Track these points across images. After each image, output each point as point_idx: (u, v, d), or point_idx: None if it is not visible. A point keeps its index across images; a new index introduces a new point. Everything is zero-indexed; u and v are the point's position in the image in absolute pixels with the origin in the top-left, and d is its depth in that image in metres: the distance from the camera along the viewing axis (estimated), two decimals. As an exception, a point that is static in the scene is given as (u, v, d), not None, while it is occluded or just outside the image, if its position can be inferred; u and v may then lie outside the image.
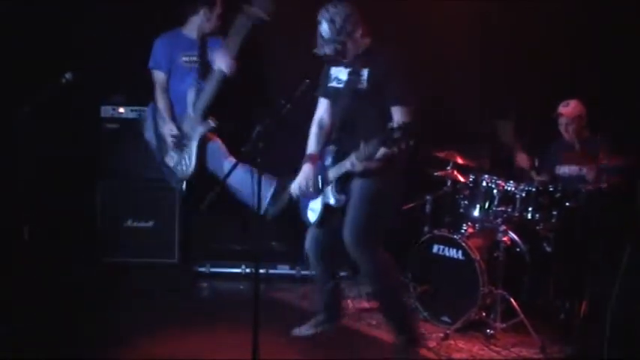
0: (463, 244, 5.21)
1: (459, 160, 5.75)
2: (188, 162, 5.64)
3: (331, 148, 4.38)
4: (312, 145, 4.47)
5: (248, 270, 6.57)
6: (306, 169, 4.38)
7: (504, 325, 5.15)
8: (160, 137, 5.74)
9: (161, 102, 5.73)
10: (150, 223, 5.51)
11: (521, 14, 6.21)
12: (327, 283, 4.80)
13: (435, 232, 5.47)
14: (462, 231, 5.49)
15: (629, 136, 5.51)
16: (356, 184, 4.25)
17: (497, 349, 4.96)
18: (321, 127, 4.47)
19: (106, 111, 6.46)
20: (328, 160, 4.40)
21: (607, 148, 5.30)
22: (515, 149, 5.82)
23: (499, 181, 5.47)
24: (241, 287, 6.41)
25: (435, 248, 5.35)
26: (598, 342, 3.76)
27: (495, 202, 5.47)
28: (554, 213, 5.33)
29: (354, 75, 4.08)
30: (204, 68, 5.67)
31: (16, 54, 6.06)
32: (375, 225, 4.29)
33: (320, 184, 4.37)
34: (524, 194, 5.38)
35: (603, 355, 3.73)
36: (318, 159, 4.42)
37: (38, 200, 5.66)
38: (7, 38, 6.01)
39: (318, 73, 4.31)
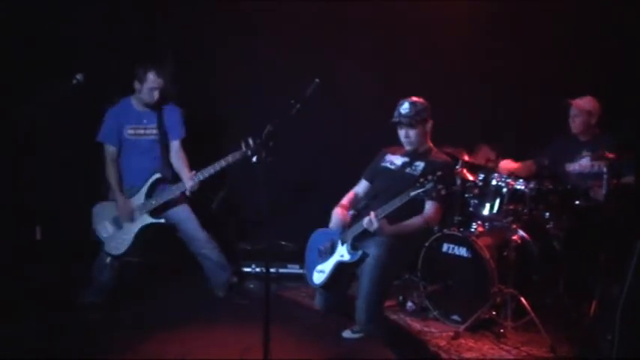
0: (473, 242, 5.20)
1: (468, 159, 5.75)
2: (123, 243, 5.48)
3: (350, 212, 4.61)
4: (343, 201, 4.73)
5: (258, 269, 6.60)
6: (337, 213, 4.60)
7: (514, 324, 5.16)
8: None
9: (110, 174, 5.58)
10: (162, 220, 5.51)
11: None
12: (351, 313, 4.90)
13: (445, 231, 5.45)
14: (472, 230, 5.49)
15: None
16: (372, 245, 4.40)
17: (507, 347, 4.96)
18: (355, 200, 4.76)
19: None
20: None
21: (616, 145, 5.27)
22: (496, 163, 5.78)
23: (509, 180, 5.47)
24: (251, 286, 6.43)
25: (445, 247, 5.35)
26: (607, 341, 3.75)
27: (505, 201, 5.46)
28: (564, 212, 5.33)
29: (410, 163, 4.55)
30: (162, 138, 5.63)
31: (22, 54, 6.10)
32: (387, 290, 4.52)
33: (335, 244, 4.58)
34: (534, 193, 5.38)
35: (612, 355, 3.72)
36: (346, 210, 4.64)
37: (49, 200, 5.69)
38: (13, 38, 6.05)
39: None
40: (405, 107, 4.48)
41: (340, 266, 4.51)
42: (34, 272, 4.97)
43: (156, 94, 5.51)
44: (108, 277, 5.61)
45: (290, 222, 6.26)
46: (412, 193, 4.08)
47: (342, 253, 4.48)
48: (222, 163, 5.29)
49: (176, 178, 5.64)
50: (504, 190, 5.47)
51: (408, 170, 4.51)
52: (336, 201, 6.47)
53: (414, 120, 4.45)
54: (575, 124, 5.64)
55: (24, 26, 6.13)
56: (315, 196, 6.77)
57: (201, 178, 5.44)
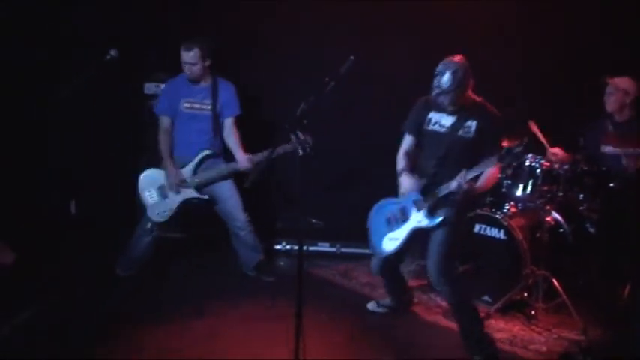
0: (506, 223, 5.17)
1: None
2: (165, 212, 5.59)
3: (421, 181, 4.60)
4: (402, 164, 4.72)
5: (288, 246, 6.62)
6: (406, 178, 4.63)
7: (545, 306, 5.14)
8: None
9: (163, 144, 5.66)
10: (205, 197, 5.57)
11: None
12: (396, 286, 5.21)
13: (478, 211, 5.41)
14: (505, 210, 5.44)
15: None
16: (448, 210, 4.48)
17: (538, 329, 4.97)
18: (408, 159, 4.74)
19: (149, 88, 6.53)
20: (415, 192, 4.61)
21: None
22: (546, 146, 5.68)
23: (543, 161, 5.41)
24: (281, 263, 6.46)
25: (477, 228, 5.32)
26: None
27: (539, 182, 5.40)
28: (599, 194, 5.28)
29: (460, 123, 4.47)
30: (215, 115, 5.69)
31: (59, 30, 6.13)
32: (455, 251, 4.63)
33: (407, 213, 4.65)
34: (568, 174, 5.32)
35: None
36: (410, 171, 4.67)
37: (84, 175, 5.74)
38: (54, 13, 6.08)
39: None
40: (445, 80, 4.31)
41: (416, 232, 4.61)
42: (69, 246, 5.02)
43: (193, 70, 5.54)
44: (144, 248, 5.70)
45: (319, 200, 6.26)
46: (503, 163, 4.21)
47: (420, 219, 4.57)
48: (273, 154, 5.24)
49: (226, 155, 5.72)
50: (538, 171, 5.40)
51: (460, 133, 4.46)
52: (366, 178, 6.55)
53: (456, 93, 4.35)
54: (610, 101, 5.54)
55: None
56: (344, 174, 6.78)
57: (254, 161, 5.51)
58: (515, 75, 6.21)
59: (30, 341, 4.38)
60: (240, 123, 5.77)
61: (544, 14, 6.21)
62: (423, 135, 4.68)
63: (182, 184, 5.56)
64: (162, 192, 5.60)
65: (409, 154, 4.76)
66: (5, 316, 4.59)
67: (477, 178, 4.39)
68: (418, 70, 4.76)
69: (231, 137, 5.71)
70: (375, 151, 6.47)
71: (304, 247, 6.38)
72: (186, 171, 5.60)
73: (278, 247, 6.62)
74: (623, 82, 5.50)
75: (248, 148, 5.64)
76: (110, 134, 6.39)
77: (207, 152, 5.63)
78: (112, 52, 5.07)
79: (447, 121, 4.54)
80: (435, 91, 4.38)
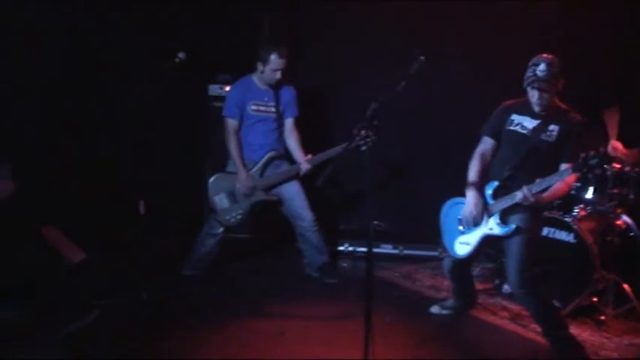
0: (575, 227, 5.06)
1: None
2: (237, 216, 5.64)
3: (493, 183, 4.55)
4: (473, 176, 4.62)
5: (351, 248, 6.61)
6: (472, 198, 4.56)
7: (615, 312, 5.04)
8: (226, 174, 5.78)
9: (232, 146, 5.68)
10: (274, 197, 5.63)
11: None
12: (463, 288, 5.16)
13: (546, 213, 5.24)
14: (574, 213, 5.33)
15: None
16: (521, 218, 4.42)
17: (608, 335, 4.86)
18: (483, 162, 4.65)
19: (213, 90, 6.61)
20: (487, 194, 4.56)
21: None
22: (610, 137, 5.56)
23: (613, 163, 5.27)
24: (344, 265, 6.45)
25: (546, 231, 5.21)
26: None
27: (609, 185, 5.28)
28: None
29: (543, 126, 4.38)
30: (279, 117, 5.76)
31: (128, 33, 6.23)
32: (533, 260, 4.50)
33: (482, 213, 4.57)
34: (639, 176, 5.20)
35: None
36: (479, 188, 4.60)
37: (153, 176, 5.83)
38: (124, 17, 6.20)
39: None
40: (541, 69, 4.26)
41: (487, 238, 4.56)
42: (139, 246, 5.10)
43: (278, 75, 5.59)
44: (209, 248, 5.75)
45: (382, 202, 6.24)
46: (572, 170, 4.08)
47: (491, 226, 4.51)
48: (335, 151, 5.37)
49: (288, 155, 5.79)
50: (608, 173, 5.28)
51: (543, 136, 4.38)
52: (429, 182, 6.51)
53: (551, 84, 4.28)
54: None
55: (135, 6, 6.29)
56: (407, 174, 6.74)
57: (315, 162, 5.55)
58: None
59: (94, 340, 4.44)
60: (305, 124, 5.81)
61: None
62: (502, 136, 4.60)
63: (252, 188, 5.61)
64: (232, 196, 5.65)
65: (484, 158, 4.65)
66: (73, 314, 4.67)
67: (544, 189, 4.29)
68: (484, 71, 4.71)
69: (291, 138, 5.77)
70: (440, 152, 6.45)
71: (365, 249, 6.42)
72: (254, 173, 5.65)
73: (341, 248, 6.61)
74: None
75: (314, 149, 5.64)
76: (176, 135, 6.48)
77: (272, 153, 5.69)
78: (181, 55, 5.11)
79: (529, 123, 4.45)
80: (529, 80, 4.33)
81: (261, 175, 5.67)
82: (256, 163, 5.68)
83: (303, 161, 5.61)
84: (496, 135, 4.64)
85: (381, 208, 6.33)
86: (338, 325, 4.82)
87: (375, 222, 6.56)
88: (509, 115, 4.56)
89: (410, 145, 6.63)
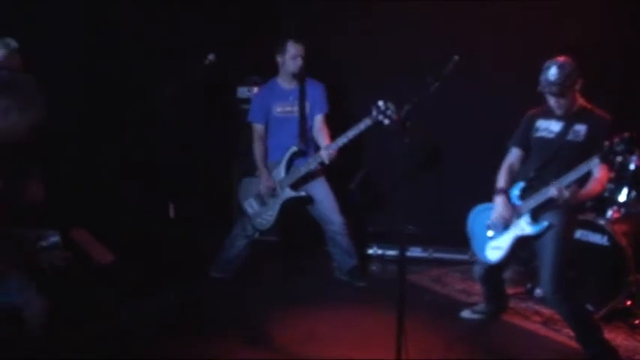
0: (609, 229, 4.98)
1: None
2: (268, 218, 5.63)
3: (520, 184, 4.53)
4: (501, 183, 4.62)
5: (380, 251, 6.58)
6: (502, 202, 4.55)
7: (651, 316, 4.96)
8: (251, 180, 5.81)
9: (257, 151, 5.73)
10: (302, 193, 5.59)
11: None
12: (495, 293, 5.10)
13: (579, 216, 5.22)
14: (608, 216, 5.25)
15: None
16: (553, 216, 4.37)
17: (643, 339, 4.78)
18: (511, 172, 4.65)
19: (242, 92, 6.63)
20: (514, 195, 4.55)
21: None
22: None
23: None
24: (373, 268, 6.43)
25: (579, 234, 5.12)
26: None
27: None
28: None
29: (568, 127, 4.36)
30: (303, 117, 5.71)
31: (158, 35, 6.26)
32: (567, 264, 4.43)
33: (511, 216, 4.53)
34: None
35: None
36: (507, 193, 4.58)
37: (182, 179, 5.85)
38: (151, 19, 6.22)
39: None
40: (552, 73, 4.20)
41: (519, 240, 4.51)
42: (169, 249, 5.12)
43: (299, 62, 5.58)
44: (239, 251, 5.77)
45: (411, 204, 6.19)
46: (600, 160, 3.98)
47: (522, 227, 4.46)
48: (356, 130, 5.26)
49: None
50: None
51: (570, 137, 4.34)
52: (462, 185, 6.45)
53: (563, 87, 4.22)
54: None
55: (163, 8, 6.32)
56: (437, 177, 6.69)
57: (336, 147, 5.42)
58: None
59: (122, 341, 4.46)
60: (334, 124, 5.76)
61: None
62: (530, 145, 4.59)
63: (275, 189, 5.60)
64: (260, 199, 5.66)
65: (512, 169, 4.64)
66: (101, 315, 4.69)
67: (580, 182, 4.24)
68: (518, 69, 4.65)
69: (321, 134, 5.70)
70: (470, 154, 6.39)
71: (395, 253, 6.39)
72: (279, 172, 5.64)
73: (370, 251, 6.58)
74: None
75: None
76: (205, 138, 6.49)
77: (294, 148, 5.63)
78: (211, 57, 5.12)
79: (555, 126, 4.42)
80: (542, 86, 4.28)
81: (287, 171, 5.63)
82: (279, 162, 5.65)
83: (323, 148, 5.49)
84: (524, 145, 4.63)
85: (410, 211, 6.27)
86: (368, 328, 4.80)
87: (409, 226, 6.54)
88: (535, 123, 4.55)
89: (440, 147, 6.58)
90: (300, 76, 5.68)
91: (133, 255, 5.50)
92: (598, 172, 4.22)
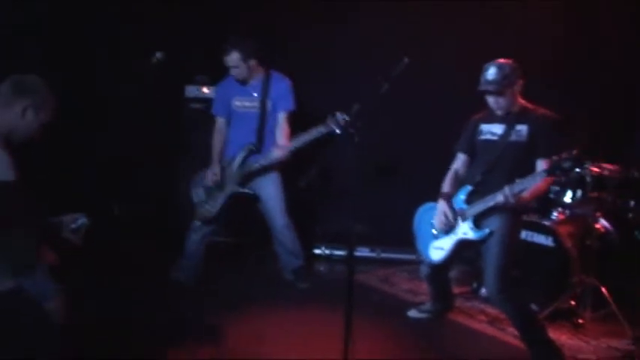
0: (554, 230, 5.06)
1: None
2: (210, 209, 5.56)
3: (466, 188, 4.55)
4: (446, 187, 4.68)
5: (328, 251, 6.57)
6: (442, 206, 4.59)
7: (593, 315, 5.03)
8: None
9: (214, 142, 5.67)
10: (246, 190, 5.51)
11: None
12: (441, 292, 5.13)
13: (524, 217, 5.27)
14: (553, 217, 5.32)
15: None
16: (497, 221, 4.38)
17: (586, 338, 4.86)
18: (456, 177, 4.71)
19: (190, 91, 6.54)
20: (460, 199, 4.56)
21: None
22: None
23: (592, 167, 5.28)
24: (321, 269, 6.42)
25: (524, 234, 5.18)
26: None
27: (588, 188, 5.27)
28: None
29: (511, 128, 4.38)
30: (263, 113, 5.58)
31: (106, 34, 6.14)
32: (511, 264, 4.44)
33: (453, 221, 4.56)
34: (618, 180, 5.20)
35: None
36: (450, 198, 4.61)
37: (126, 177, 5.76)
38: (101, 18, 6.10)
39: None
40: (491, 72, 4.29)
41: (462, 243, 4.53)
42: (113, 246, 5.03)
43: (238, 72, 5.48)
44: (194, 247, 5.65)
45: (358, 204, 6.19)
46: (552, 176, 4.03)
47: (465, 231, 4.48)
48: (309, 136, 5.19)
49: None
50: (588, 178, 5.29)
51: (513, 138, 4.37)
52: (407, 185, 6.48)
53: (501, 86, 4.28)
54: None
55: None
56: (383, 177, 6.70)
57: (287, 150, 5.36)
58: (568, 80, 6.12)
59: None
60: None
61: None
62: (475, 148, 4.64)
63: (220, 182, 5.53)
64: (207, 190, 5.58)
65: (458, 174, 4.71)
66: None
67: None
68: (467, 72, 4.67)
69: (279, 132, 5.56)
70: (418, 156, 6.41)
71: (343, 253, 6.38)
72: (232, 167, 5.55)
73: (317, 251, 6.57)
74: None
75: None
76: (153, 136, 6.38)
77: (251, 146, 5.52)
78: (158, 55, 5.05)
79: (498, 129, 4.46)
80: (481, 86, 4.34)
81: (239, 168, 5.51)
82: (234, 157, 5.56)
83: (275, 148, 5.41)
84: (469, 150, 4.69)
85: (358, 211, 6.27)
86: (316, 329, 4.78)
87: (359, 225, 6.54)
88: (478, 127, 4.60)
89: (388, 148, 6.59)
90: (253, 76, 5.57)
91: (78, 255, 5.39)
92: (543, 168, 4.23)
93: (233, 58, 5.42)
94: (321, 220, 6.86)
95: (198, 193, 5.62)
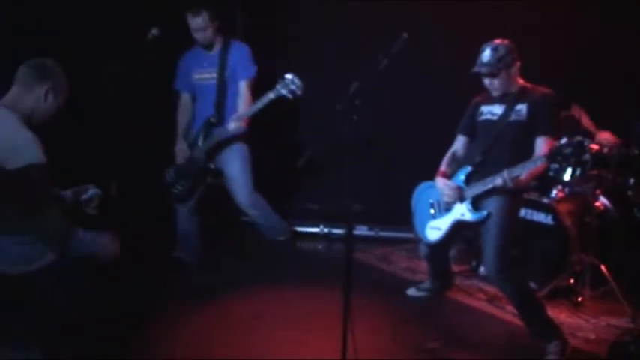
0: (554, 208, 5.04)
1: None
2: (181, 188, 5.43)
3: (466, 168, 4.51)
4: (443, 166, 4.68)
5: (326, 230, 6.55)
6: (443, 182, 4.57)
7: (593, 293, 5.03)
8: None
9: (179, 120, 5.55)
10: (211, 165, 5.38)
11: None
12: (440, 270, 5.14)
13: (524, 195, 5.24)
14: (552, 195, 5.31)
15: None
16: (495, 203, 4.35)
17: (585, 316, 4.85)
18: (454, 158, 4.70)
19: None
20: (459, 179, 4.51)
21: None
22: (594, 132, 5.54)
23: (592, 144, 5.23)
24: (319, 247, 6.41)
25: (523, 212, 5.17)
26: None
27: (587, 166, 5.22)
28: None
29: (511, 108, 4.36)
30: (221, 83, 5.37)
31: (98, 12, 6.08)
32: (510, 243, 4.40)
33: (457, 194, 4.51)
34: (618, 158, 5.18)
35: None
36: (447, 177, 4.61)
37: (124, 156, 5.69)
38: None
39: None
40: (486, 54, 4.29)
41: (459, 224, 4.52)
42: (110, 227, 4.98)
43: (199, 37, 5.28)
44: (185, 224, 5.57)
45: (357, 183, 6.16)
46: (546, 159, 3.97)
47: (463, 212, 4.46)
48: (259, 104, 5.01)
49: None
50: (587, 155, 5.22)
51: (512, 118, 4.34)
52: (405, 163, 6.45)
53: (495, 68, 4.27)
54: None
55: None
56: (383, 156, 6.68)
57: (240, 118, 5.17)
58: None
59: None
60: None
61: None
62: (475, 130, 4.62)
63: (190, 158, 5.38)
64: (177, 169, 5.47)
65: (457, 156, 4.69)
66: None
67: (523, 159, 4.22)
68: (468, 54, 4.62)
69: (241, 102, 5.33)
70: (417, 133, 6.38)
71: (341, 231, 6.37)
72: (192, 142, 5.41)
73: (316, 230, 6.55)
74: None
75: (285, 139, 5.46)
76: (149, 117, 6.32)
77: (211, 119, 5.33)
78: (154, 31, 4.94)
79: (498, 109, 4.44)
80: (476, 68, 4.33)
81: (201, 144, 5.34)
82: (198, 132, 5.39)
83: (230, 120, 5.19)
84: (469, 132, 4.67)
85: (356, 190, 6.25)
86: (315, 308, 4.79)
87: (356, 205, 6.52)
88: (479, 108, 4.58)
89: (387, 126, 6.56)
90: (216, 41, 5.38)
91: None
92: (541, 149, 4.21)
93: (203, 18, 5.19)
94: (319, 199, 6.83)
95: (169, 174, 5.49)
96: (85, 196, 3.81)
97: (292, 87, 4.58)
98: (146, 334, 4.34)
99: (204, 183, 5.50)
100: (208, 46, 5.37)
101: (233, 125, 5.16)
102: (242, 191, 5.45)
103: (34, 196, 3.40)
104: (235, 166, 5.43)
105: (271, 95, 4.90)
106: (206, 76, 5.41)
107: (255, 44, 5.57)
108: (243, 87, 5.35)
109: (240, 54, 5.38)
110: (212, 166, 5.40)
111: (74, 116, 5.65)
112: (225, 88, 5.37)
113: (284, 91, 4.74)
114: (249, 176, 5.46)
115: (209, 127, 5.33)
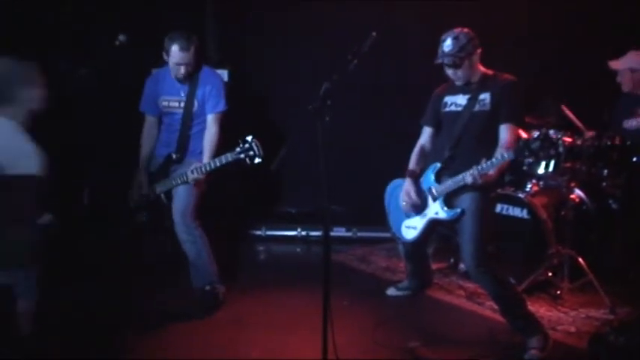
0: (529, 202, 5.05)
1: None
2: (145, 219, 5.05)
3: (435, 165, 4.47)
4: (412, 164, 4.63)
5: (304, 233, 6.53)
6: (408, 184, 4.54)
7: (571, 286, 5.04)
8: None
9: (142, 146, 5.13)
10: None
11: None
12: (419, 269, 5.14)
13: (499, 190, 5.19)
14: (527, 189, 5.31)
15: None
16: (468, 199, 4.31)
17: (564, 309, 4.86)
18: (422, 152, 4.67)
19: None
20: (430, 177, 4.48)
21: None
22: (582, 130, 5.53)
23: (565, 137, 5.25)
24: (298, 250, 6.38)
25: (499, 207, 5.19)
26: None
27: (562, 159, 5.24)
28: (623, 169, 5.19)
29: (474, 98, 4.31)
30: (187, 115, 4.99)
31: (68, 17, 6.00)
32: (487, 238, 4.36)
33: (423, 199, 4.51)
34: (592, 149, 5.19)
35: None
36: (417, 176, 4.57)
37: (96, 164, 5.65)
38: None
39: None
40: (447, 44, 4.22)
41: (433, 222, 4.51)
42: (82, 235, 4.94)
43: (182, 70, 4.86)
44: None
45: (333, 184, 6.14)
46: (519, 157, 3.98)
47: (437, 210, 4.44)
48: (217, 162, 4.70)
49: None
50: (561, 148, 5.26)
51: (477, 108, 4.30)
52: (381, 162, 6.43)
53: (457, 58, 4.21)
54: (623, 83, 5.50)
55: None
56: (357, 156, 6.67)
57: (200, 171, 4.78)
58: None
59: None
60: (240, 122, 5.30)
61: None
62: (440, 121, 4.57)
63: (145, 190, 5.07)
64: (137, 200, 5.12)
65: (425, 149, 4.66)
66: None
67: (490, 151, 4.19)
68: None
69: (208, 135, 4.97)
70: (392, 132, 6.38)
71: (319, 233, 6.34)
72: (156, 184, 5.06)
73: (294, 233, 6.53)
74: (625, 61, 5.41)
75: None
76: (119, 124, 6.25)
77: (173, 155, 5.01)
78: (121, 37, 4.91)
79: (462, 100, 4.39)
80: (438, 58, 4.28)
81: (158, 185, 5.02)
82: (157, 165, 5.09)
83: (191, 168, 4.80)
84: (435, 122, 4.63)
85: (333, 191, 6.23)
86: (296, 311, 4.76)
87: (334, 206, 6.50)
88: (442, 99, 4.54)
89: (361, 126, 6.55)
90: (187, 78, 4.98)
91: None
92: (505, 138, 4.18)
93: (191, 53, 4.85)
94: (295, 201, 6.80)
95: (132, 197, 5.15)
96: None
97: (251, 153, 4.41)
98: (124, 341, 4.30)
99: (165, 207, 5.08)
100: (186, 79, 5.00)
101: (192, 177, 4.79)
102: (179, 209, 4.91)
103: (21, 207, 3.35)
104: (184, 189, 4.92)
105: (229, 158, 4.62)
106: (174, 105, 5.05)
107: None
108: (210, 120, 5.00)
109: (212, 85, 5.01)
110: (162, 196, 5.04)
111: (46, 121, 5.67)
112: (190, 122, 5.03)
113: (242, 156, 4.54)
114: (192, 208, 4.93)
115: (169, 163, 5.04)
